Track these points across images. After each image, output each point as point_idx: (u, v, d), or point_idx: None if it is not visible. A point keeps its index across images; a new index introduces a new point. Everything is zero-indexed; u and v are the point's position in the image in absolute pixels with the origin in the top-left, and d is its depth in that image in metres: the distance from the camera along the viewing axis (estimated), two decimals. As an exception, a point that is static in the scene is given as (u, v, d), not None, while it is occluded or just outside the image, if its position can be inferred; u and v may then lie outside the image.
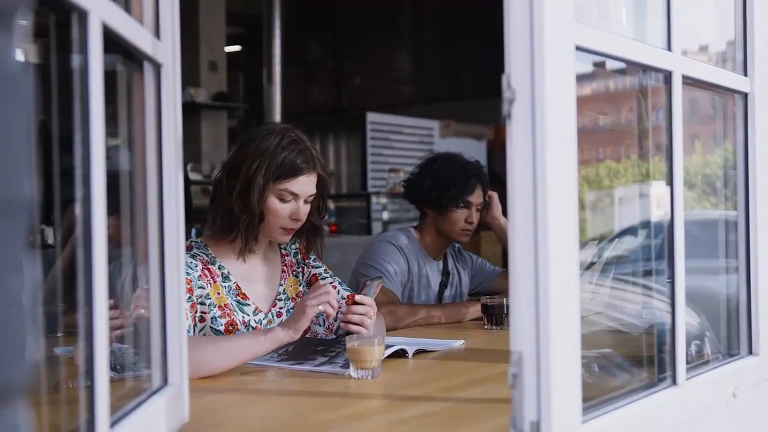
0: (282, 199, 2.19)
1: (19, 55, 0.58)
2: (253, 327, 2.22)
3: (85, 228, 1.00)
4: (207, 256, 2.22)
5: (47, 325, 1.27)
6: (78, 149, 1.01)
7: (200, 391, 1.68)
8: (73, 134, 1.02)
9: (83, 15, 0.99)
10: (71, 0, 0.95)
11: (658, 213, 1.93)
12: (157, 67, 1.34)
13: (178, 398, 1.39)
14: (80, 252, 1.01)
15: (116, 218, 1.28)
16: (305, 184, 2.21)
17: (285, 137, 2.20)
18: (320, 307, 1.97)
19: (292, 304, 2.35)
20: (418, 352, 2.18)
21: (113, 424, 1.09)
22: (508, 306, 2.64)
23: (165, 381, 1.37)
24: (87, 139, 1.01)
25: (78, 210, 1.01)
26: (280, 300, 2.34)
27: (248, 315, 2.23)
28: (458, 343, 2.35)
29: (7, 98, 0.56)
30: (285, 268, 2.39)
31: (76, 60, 1.02)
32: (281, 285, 2.35)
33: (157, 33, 1.35)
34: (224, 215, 2.20)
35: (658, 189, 1.87)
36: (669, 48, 1.51)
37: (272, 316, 2.29)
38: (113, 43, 1.12)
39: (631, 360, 1.71)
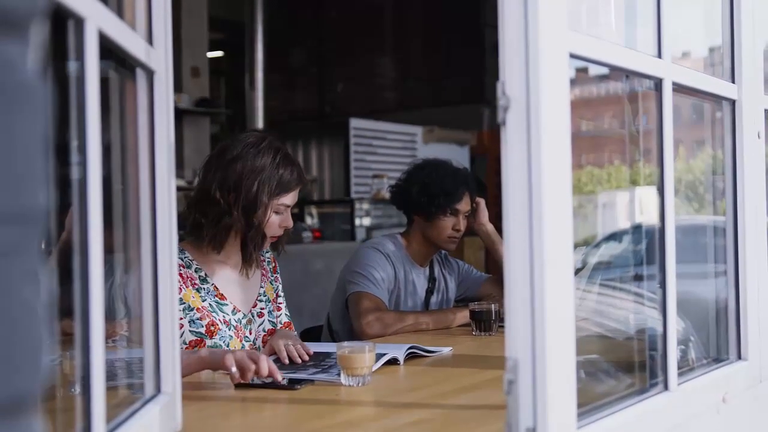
0: (277, 212, 2.29)
1: (34, 64, 0.58)
2: (234, 326, 2.28)
3: (81, 235, 1.00)
4: (182, 260, 2.24)
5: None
6: (74, 156, 1.00)
7: (193, 400, 1.67)
8: (68, 141, 1.01)
9: (80, 22, 0.99)
10: (68, 7, 0.94)
11: (642, 218, 1.94)
12: (150, 73, 1.34)
13: (171, 407, 1.38)
14: (76, 259, 1.00)
15: (107, 225, 1.28)
16: (296, 195, 2.33)
17: (277, 153, 2.28)
18: (233, 369, 1.81)
19: (271, 306, 2.43)
20: (410, 357, 2.18)
21: (108, 433, 1.08)
22: (496, 312, 2.65)
23: (158, 389, 1.36)
24: (83, 145, 1.00)
25: (74, 217, 1.00)
26: (261, 300, 2.41)
27: (227, 314, 2.28)
28: (447, 350, 2.35)
29: (22, 107, 0.56)
30: (264, 271, 2.46)
31: (71, 66, 1.01)
32: (262, 287, 2.43)
33: (150, 40, 1.34)
34: (224, 231, 2.25)
35: (641, 195, 1.88)
36: (659, 55, 1.52)
37: (252, 316, 2.36)
38: (106, 49, 1.11)
39: (621, 366, 1.72)
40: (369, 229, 7.55)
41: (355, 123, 8.26)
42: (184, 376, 1.90)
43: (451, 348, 2.37)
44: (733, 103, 1.82)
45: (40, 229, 0.58)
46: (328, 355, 2.18)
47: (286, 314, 2.51)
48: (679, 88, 1.59)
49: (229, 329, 2.25)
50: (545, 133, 1.15)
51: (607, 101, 1.92)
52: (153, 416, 1.28)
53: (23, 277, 0.56)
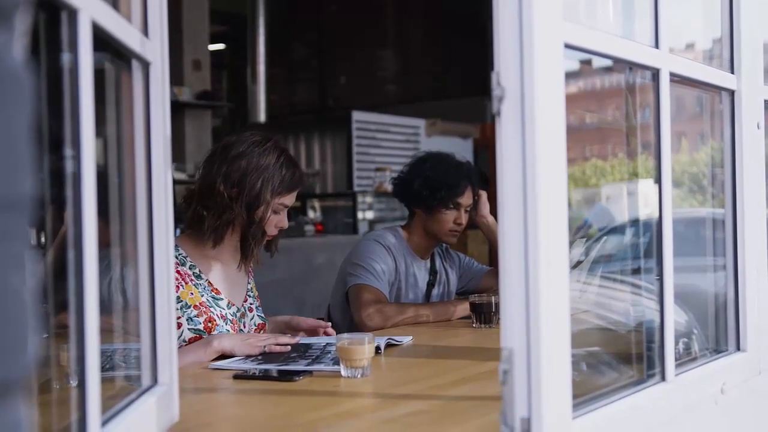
0: (275, 212, 2.33)
1: (19, 53, 0.58)
2: (230, 320, 2.31)
3: (75, 228, 1.00)
4: (176, 257, 2.26)
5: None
6: (67, 149, 1.01)
7: (190, 391, 1.68)
8: (62, 134, 1.01)
9: (73, 13, 0.99)
10: (61, -2, 0.94)
11: (645, 211, 1.94)
12: (145, 65, 1.34)
13: (168, 397, 1.38)
14: (70, 253, 1.01)
15: (103, 218, 1.28)
16: (294, 197, 2.38)
17: (282, 154, 2.33)
18: (266, 348, 2.14)
19: (258, 303, 2.49)
20: (388, 346, 2.23)
21: (104, 423, 1.08)
22: (496, 304, 2.65)
23: (155, 380, 1.36)
24: (77, 138, 1.00)
25: (68, 210, 1.01)
26: (250, 296, 2.46)
27: (223, 309, 2.32)
28: (407, 339, 2.38)
29: (9, 96, 0.56)
30: (250, 270, 2.50)
31: (65, 58, 1.01)
32: (249, 283, 2.48)
33: (145, 31, 1.34)
34: (225, 225, 2.28)
35: (645, 187, 1.88)
36: (656, 45, 1.51)
37: (245, 310, 2.41)
38: (101, 41, 1.11)
39: (620, 357, 1.72)
40: (371, 223, 7.56)
41: (357, 116, 8.26)
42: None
43: (411, 337, 2.40)
44: (732, 93, 1.82)
45: (27, 217, 0.59)
46: (309, 346, 2.20)
47: (259, 315, 2.52)
48: (677, 79, 1.58)
49: (226, 324, 2.29)
50: (540, 123, 1.15)
51: (612, 93, 1.91)
52: (150, 407, 1.29)
53: (10, 263, 0.56)
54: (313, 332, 2.43)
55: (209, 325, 2.24)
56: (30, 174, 0.59)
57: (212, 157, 2.33)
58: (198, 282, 2.29)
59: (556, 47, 1.20)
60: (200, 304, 2.25)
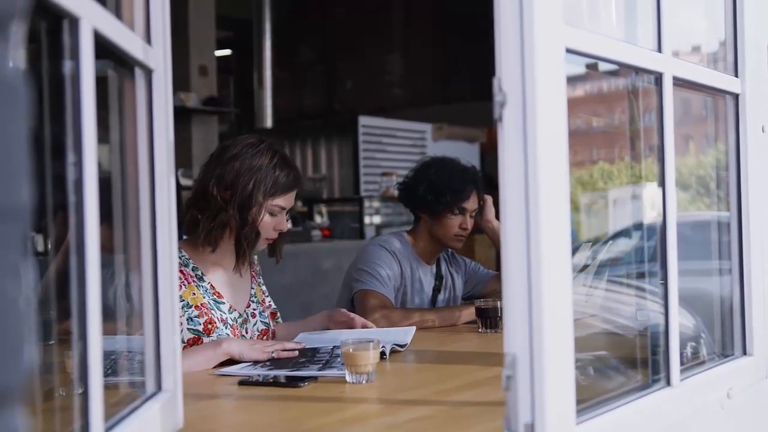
0: (271, 214, 2.32)
1: (16, 62, 0.58)
2: (230, 324, 2.32)
3: (77, 235, 1.00)
4: (180, 258, 2.26)
5: (40, 333, 1.26)
6: (69, 156, 1.01)
7: (194, 398, 1.68)
8: (64, 140, 1.02)
9: (74, 21, 0.99)
10: (63, 6, 0.95)
11: (651, 215, 1.94)
12: (148, 72, 1.34)
13: (172, 404, 1.38)
14: (73, 260, 1.01)
15: (108, 225, 1.28)
16: (292, 199, 2.36)
17: (275, 155, 2.32)
18: (273, 354, 2.13)
19: (261, 308, 2.47)
20: (393, 352, 2.23)
21: (107, 430, 1.09)
22: (502, 309, 2.64)
23: (159, 387, 1.37)
24: (79, 145, 1.00)
25: (70, 217, 1.01)
26: (253, 302, 2.45)
27: (224, 313, 2.32)
28: (411, 331, 2.41)
29: (5, 105, 0.56)
30: (254, 274, 2.50)
31: (67, 66, 1.01)
32: (252, 288, 2.47)
33: (148, 39, 1.34)
34: (219, 227, 2.28)
35: (651, 191, 1.88)
36: (659, 50, 1.51)
37: (247, 316, 2.41)
38: (104, 48, 1.11)
39: (626, 361, 1.72)
40: (378, 227, 7.55)
41: (364, 121, 8.26)
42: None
43: (413, 327, 2.42)
44: (736, 97, 1.81)
45: (24, 226, 0.59)
46: (316, 350, 2.20)
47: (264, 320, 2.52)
48: (680, 83, 1.58)
49: (226, 327, 2.28)
50: (541, 128, 1.15)
51: (619, 96, 1.91)
52: (154, 414, 1.29)
53: (5, 271, 0.56)
54: (349, 325, 2.46)
55: (209, 326, 2.24)
56: (27, 183, 0.59)
57: (209, 161, 2.35)
58: (200, 284, 2.29)
59: (558, 52, 1.20)
60: (201, 305, 2.26)
